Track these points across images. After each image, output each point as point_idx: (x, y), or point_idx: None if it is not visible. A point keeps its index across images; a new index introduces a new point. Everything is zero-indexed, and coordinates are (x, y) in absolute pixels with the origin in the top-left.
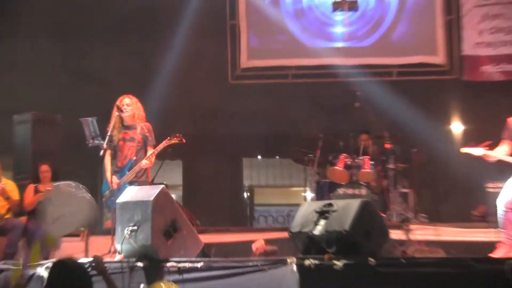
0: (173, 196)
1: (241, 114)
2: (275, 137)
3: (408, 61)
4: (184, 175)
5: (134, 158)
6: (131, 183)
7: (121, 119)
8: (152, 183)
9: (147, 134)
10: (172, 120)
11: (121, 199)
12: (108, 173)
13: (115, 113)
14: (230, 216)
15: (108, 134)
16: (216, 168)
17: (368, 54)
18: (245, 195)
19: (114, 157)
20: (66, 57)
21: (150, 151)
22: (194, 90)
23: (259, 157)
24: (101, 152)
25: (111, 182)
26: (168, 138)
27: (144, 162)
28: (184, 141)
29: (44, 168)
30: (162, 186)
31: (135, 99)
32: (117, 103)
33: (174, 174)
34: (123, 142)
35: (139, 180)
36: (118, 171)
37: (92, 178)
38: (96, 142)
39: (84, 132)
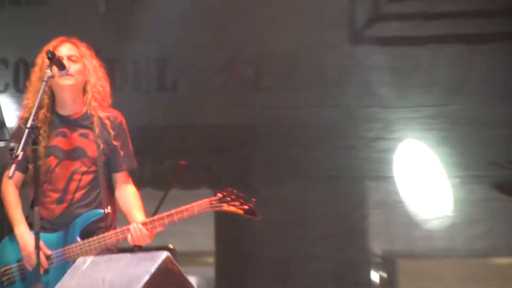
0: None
1: None
2: None
3: None
4: (219, 225)
5: (109, 207)
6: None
7: (53, 96)
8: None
9: (118, 142)
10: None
11: None
12: (22, 226)
13: (41, 76)
14: None
15: (28, 127)
16: (296, 204)
17: None
18: (378, 273)
19: (38, 185)
20: None
21: (172, 210)
22: None
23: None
24: (11, 171)
25: (34, 250)
26: (220, 198)
27: (141, 234)
28: (256, 216)
29: None
30: (165, 254)
31: (88, 49)
32: (48, 48)
33: (195, 223)
34: (56, 158)
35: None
36: (49, 226)
37: None
38: (1, 143)
39: None
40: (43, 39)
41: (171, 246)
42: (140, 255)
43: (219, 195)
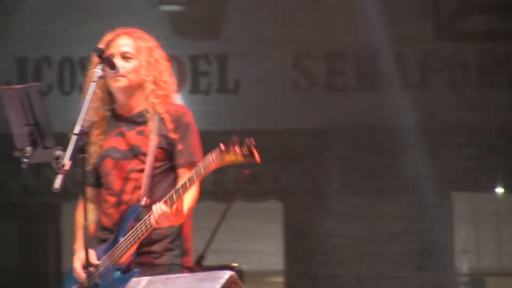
0: None
1: None
2: None
3: None
4: (289, 242)
5: (144, 199)
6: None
7: (108, 93)
8: (198, 265)
9: (176, 135)
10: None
11: None
12: (78, 243)
13: (93, 76)
14: None
15: (75, 133)
16: (377, 219)
17: None
18: None
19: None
20: None
21: (184, 178)
22: None
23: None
24: (57, 182)
25: (80, 266)
26: (220, 149)
27: (161, 212)
28: (257, 157)
29: None
30: (228, 274)
31: (148, 42)
32: (101, 45)
33: (263, 240)
34: (113, 159)
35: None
36: (105, 238)
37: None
38: (48, 151)
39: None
40: (91, 34)
41: (235, 264)
42: (200, 275)
43: (221, 146)
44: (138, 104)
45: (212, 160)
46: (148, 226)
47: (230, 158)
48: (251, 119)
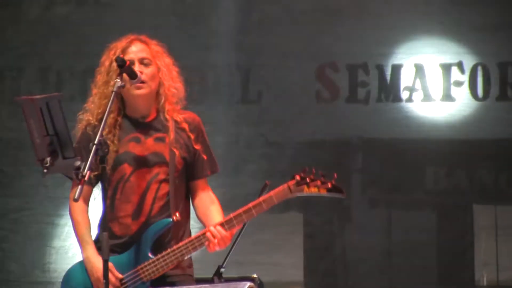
0: None
1: None
2: None
3: None
4: (309, 253)
5: (177, 214)
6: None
7: (120, 100)
8: (217, 277)
9: (198, 146)
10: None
11: None
12: (89, 249)
13: (107, 80)
14: None
15: (95, 143)
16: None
17: None
18: None
19: (108, 203)
20: None
21: (249, 205)
22: None
23: None
24: (77, 193)
25: (102, 277)
26: (297, 180)
27: (210, 238)
28: (344, 193)
29: None
30: (248, 285)
31: (159, 47)
32: (115, 53)
33: (283, 252)
34: (131, 165)
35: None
36: (119, 248)
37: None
38: (67, 161)
39: (30, 134)
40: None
41: (255, 276)
42: (220, 286)
43: (297, 177)
44: (153, 110)
45: (289, 190)
46: (197, 248)
47: (310, 190)
48: (273, 131)
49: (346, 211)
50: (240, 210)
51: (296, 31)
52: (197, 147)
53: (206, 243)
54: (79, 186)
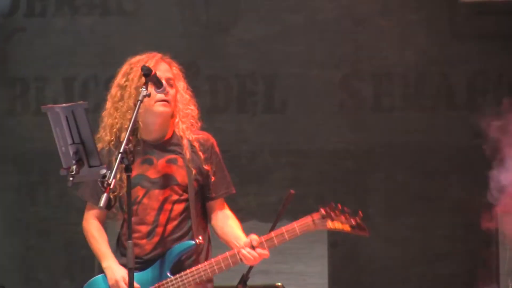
0: None
1: None
2: None
3: None
4: (333, 263)
5: (200, 238)
6: None
7: (137, 121)
8: (242, 286)
9: (209, 166)
10: None
11: None
12: (109, 259)
13: (130, 92)
14: None
15: (121, 151)
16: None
17: None
18: None
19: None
20: None
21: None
22: None
23: None
24: (102, 200)
25: (121, 280)
26: (322, 213)
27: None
28: (367, 231)
29: None
30: None
31: (178, 70)
32: (138, 65)
33: (307, 261)
34: (143, 188)
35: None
36: (140, 265)
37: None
38: (93, 169)
39: (56, 142)
40: (137, 54)
41: (279, 284)
42: None
43: (322, 211)
44: (167, 131)
45: (313, 224)
46: (216, 272)
47: (334, 225)
48: (297, 140)
49: (370, 220)
50: (277, 232)
51: (320, 40)
52: (207, 167)
53: (243, 259)
54: (105, 194)
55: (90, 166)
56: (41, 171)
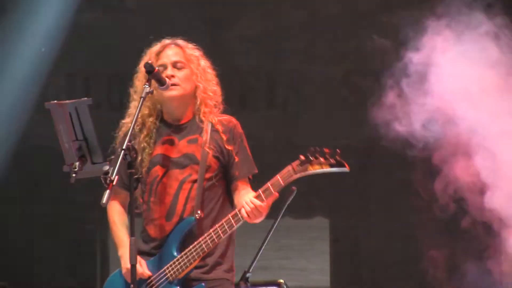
0: None
1: None
2: None
3: None
4: (335, 259)
5: (199, 212)
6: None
7: (155, 105)
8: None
9: (231, 146)
10: None
11: None
12: (122, 247)
13: (142, 92)
14: None
15: (123, 148)
16: None
17: None
18: None
19: (138, 206)
20: None
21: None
22: None
23: None
24: (105, 197)
25: (130, 274)
26: (301, 159)
27: (254, 206)
28: (347, 166)
29: None
30: None
31: (195, 51)
32: (149, 58)
33: (309, 257)
34: (163, 167)
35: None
36: (152, 250)
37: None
38: (96, 166)
39: (58, 139)
40: (139, 50)
41: (281, 281)
42: None
43: (301, 157)
44: (188, 113)
45: (293, 171)
46: (215, 240)
47: (314, 168)
48: (298, 135)
49: (372, 216)
50: (267, 185)
51: (323, 36)
52: (229, 147)
53: (242, 213)
54: (108, 191)
55: (93, 163)
56: (44, 167)
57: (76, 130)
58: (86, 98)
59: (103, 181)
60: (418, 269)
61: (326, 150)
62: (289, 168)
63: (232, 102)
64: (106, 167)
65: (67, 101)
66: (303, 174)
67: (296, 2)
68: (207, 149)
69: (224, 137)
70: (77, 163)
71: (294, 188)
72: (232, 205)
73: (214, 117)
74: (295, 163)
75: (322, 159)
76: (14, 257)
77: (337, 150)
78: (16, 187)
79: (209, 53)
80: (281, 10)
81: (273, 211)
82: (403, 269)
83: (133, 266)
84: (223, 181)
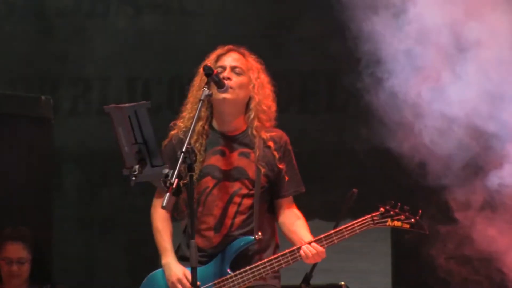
0: None
1: None
2: None
3: None
4: (397, 260)
5: (259, 234)
6: None
7: (211, 110)
8: (305, 284)
9: (283, 165)
10: None
11: None
12: (168, 256)
13: (200, 91)
14: None
15: (183, 151)
16: None
17: None
18: None
19: (195, 216)
20: None
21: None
22: None
23: None
24: (165, 200)
25: (177, 282)
26: (382, 212)
27: (316, 251)
28: (426, 230)
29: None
30: None
31: (257, 62)
32: (209, 61)
33: (370, 259)
34: (214, 178)
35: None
36: (204, 259)
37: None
38: (156, 169)
39: (118, 142)
40: (201, 54)
41: (342, 283)
42: None
43: (381, 209)
44: (241, 124)
45: (372, 222)
46: (276, 269)
47: (394, 224)
48: (359, 138)
49: (433, 217)
50: (336, 229)
51: None
52: (281, 166)
53: (302, 255)
54: (167, 194)
55: (152, 166)
56: (102, 170)
57: (136, 133)
58: (144, 102)
59: (162, 185)
60: (484, 272)
61: (406, 208)
62: (368, 218)
63: (293, 105)
64: (166, 170)
65: (126, 105)
66: (381, 226)
67: None
68: (260, 167)
69: (277, 155)
70: (136, 166)
71: (355, 190)
72: (272, 218)
73: (265, 132)
74: (376, 214)
75: (402, 216)
76: (73, 260)
77: (419, 210)
78: (76, 191)
79: (269, 55)
80: (341, 10)
81: (335, 213)
82: (474, 269)
83: (194, 269)
84: (268, 197)
